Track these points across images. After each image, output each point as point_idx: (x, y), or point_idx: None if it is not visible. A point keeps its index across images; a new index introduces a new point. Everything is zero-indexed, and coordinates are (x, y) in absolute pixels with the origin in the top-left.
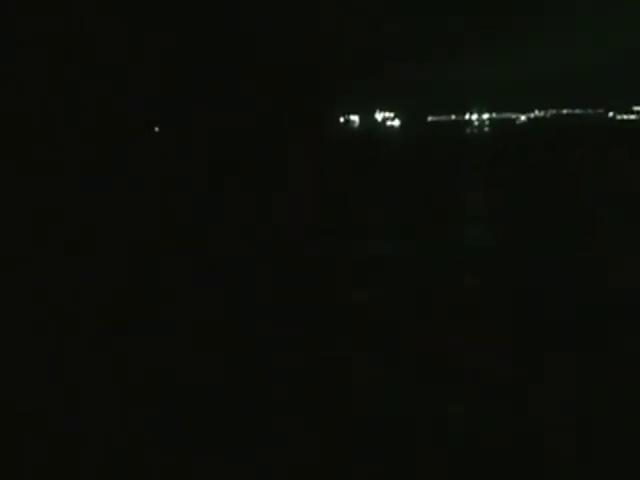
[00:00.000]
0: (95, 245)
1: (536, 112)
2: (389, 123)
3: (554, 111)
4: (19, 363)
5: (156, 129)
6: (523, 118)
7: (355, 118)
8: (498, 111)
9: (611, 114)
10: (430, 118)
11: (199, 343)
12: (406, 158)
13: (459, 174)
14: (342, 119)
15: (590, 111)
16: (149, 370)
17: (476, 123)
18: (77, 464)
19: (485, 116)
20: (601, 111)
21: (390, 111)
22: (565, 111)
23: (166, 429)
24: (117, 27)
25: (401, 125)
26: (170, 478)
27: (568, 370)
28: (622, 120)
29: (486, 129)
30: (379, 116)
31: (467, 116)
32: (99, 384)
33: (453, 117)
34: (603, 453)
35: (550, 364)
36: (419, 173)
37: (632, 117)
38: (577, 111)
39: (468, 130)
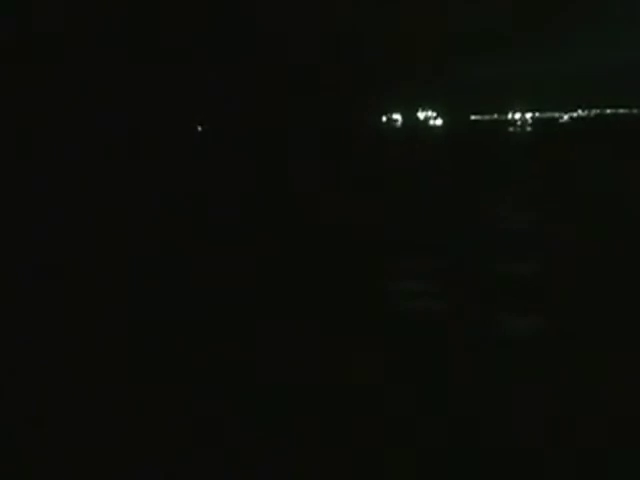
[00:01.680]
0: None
1: (579, 111)
2: (432, 122)
3: (597, 110)
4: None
5: (199, 128)
6: (566, 117)
7: (398, 117)
8: (541, 110)
9: None
10: (473, 117)
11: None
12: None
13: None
14: (385, 118)
15: (635, 111)
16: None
17: (519, 122)
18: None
19: (528, 115)
20: None
21: (433, 110)
22: (609, 111)
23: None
24: (162, 32)
25: (443, 124)
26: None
27: None
28: None
29: (528, 128)
30: (422, 115)
31: (510, 115)
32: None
33: (496, 116)
34: None
35: None
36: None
37: None
38: (621, 111)
39: (511, 129)
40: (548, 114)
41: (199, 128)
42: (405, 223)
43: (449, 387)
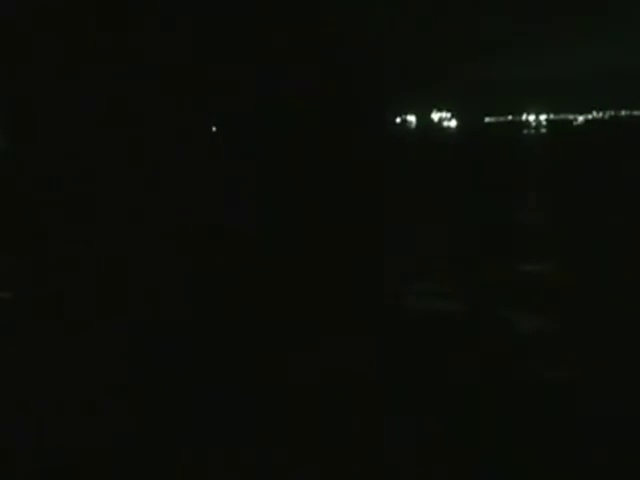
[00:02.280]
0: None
1: (594, 113)
2: (446, 124)
3: (612, 112)
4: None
5: (213, 129)
6: (581, 119)
7: (412, 118)
8: (556, 112)
9: None
10: (487, 119)
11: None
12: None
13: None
14: (399, 119)
15: None
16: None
17: (533, 124)
18: None
19: (542, 117)
20: None
21: (447, 111)
22: (623, 112)
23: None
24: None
25: (457, 126)
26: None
27: None
28: None
29: (543, 130)
30: (436, 116)
31: (524, 117)
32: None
33: (510, 118)
34: None
35: None
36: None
37: None
38: (635, 113)
39: (525, 131)
40: (562, 116)
41: (213, 129)
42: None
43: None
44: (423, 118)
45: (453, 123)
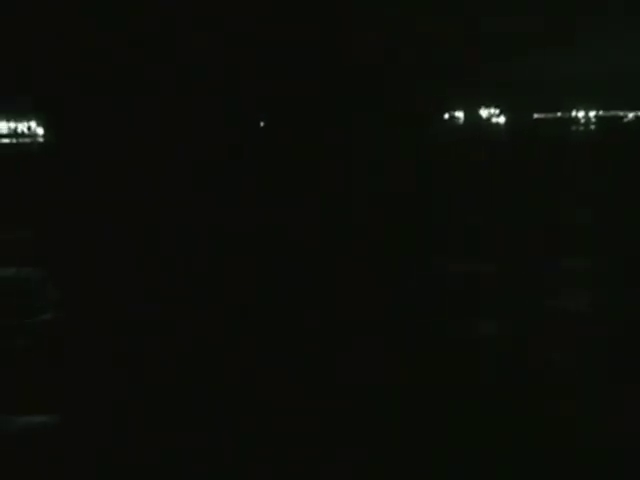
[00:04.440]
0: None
1: None
2: (494, 120)
3: None
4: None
5: (261, 124)
6: (631, 116)
7: (460, 114)
8: (605, 108)
9: None
10: (536, 115)
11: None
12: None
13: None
14: (447, 115)
15: None
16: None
17: (582, 120)
18: None
19: (591, 114)
20: None
21: (495, 107)
22: None
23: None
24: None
25: (506, 122)
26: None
27: None
28: None
29: (592, 127)
30: (484, 112)
31: (573, 113)
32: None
33: (559, 114)
34: None
35: None
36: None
37: None
38: None
39: (574, 128)
40: (612, 112)
41: (261, 124)
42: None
43: None
44: (471, 114)
45: (502, 119)
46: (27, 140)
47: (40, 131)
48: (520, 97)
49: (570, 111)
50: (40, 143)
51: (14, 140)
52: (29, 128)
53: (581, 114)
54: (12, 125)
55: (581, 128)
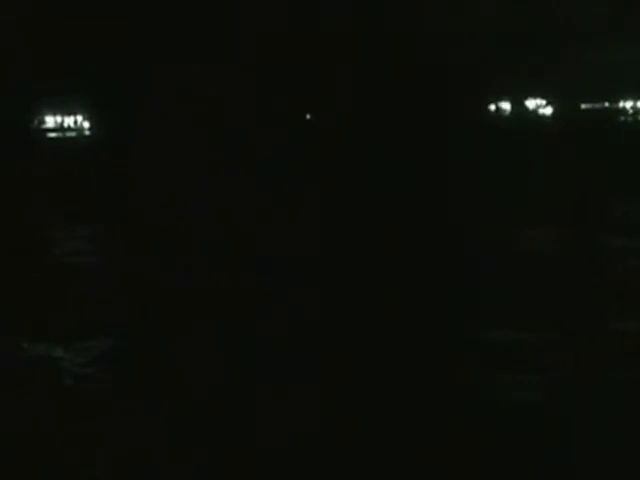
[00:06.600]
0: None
1: None
2: (541, 111)
3: None
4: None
5: (307, 116)
6: None
7: (506, 106)
8: None
9: None
10: (583, 106)
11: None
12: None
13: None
14: (493, 106)
15: None
16: None
17: (630, 111)
18: None
19: (639, 104)
20: None
21: (542, 98)
22: None
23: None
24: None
25: (553, 113)
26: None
27: None
28: None
29: None
30: (531, 104)
31: (621, 104)
32: None
33: (607, 105)
34: None
35: None
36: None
37: None
38: None
39: (622, 118)
40: None
41: (307, 116)
42: None
43: None
44: (518, 105)
45: (548, 110)
46: (73, 134)
47: (86, 125)
48: (567, 87)
49: (617, 102)
50: (87, 136)
51: (61, 134)
52: (75, 122)
53: (629, 104)
54: (59, 119)
55: (629, 118)
